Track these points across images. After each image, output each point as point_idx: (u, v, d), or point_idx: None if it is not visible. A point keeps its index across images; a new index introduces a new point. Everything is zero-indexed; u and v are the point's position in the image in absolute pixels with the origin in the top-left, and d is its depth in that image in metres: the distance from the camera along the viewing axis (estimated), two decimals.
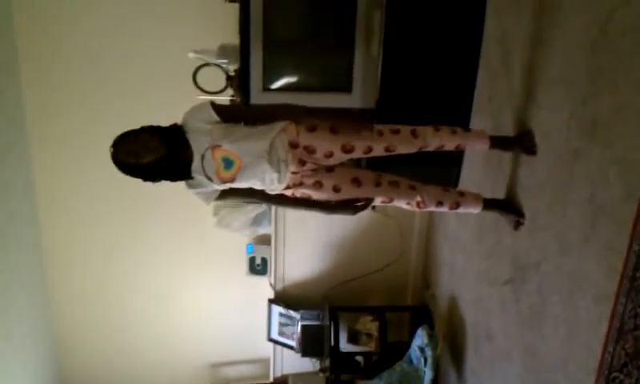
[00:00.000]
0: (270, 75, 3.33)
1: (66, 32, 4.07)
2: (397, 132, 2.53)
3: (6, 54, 3.96)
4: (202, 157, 2.37)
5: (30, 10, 4.00)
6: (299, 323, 4.37)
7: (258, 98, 3.30)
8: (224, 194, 2.53)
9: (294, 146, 2.42)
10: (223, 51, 3.49)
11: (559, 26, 2.40)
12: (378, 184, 2.57)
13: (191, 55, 3.54)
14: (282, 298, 4.55)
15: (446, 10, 3.27)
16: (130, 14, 4.08)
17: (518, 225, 2.70)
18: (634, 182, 1.82)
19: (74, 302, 4.79)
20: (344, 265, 4.45)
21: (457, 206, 2.71)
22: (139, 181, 2.36)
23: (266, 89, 3.32)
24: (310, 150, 2.44)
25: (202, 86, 3.51)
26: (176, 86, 3.90)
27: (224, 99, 3.64)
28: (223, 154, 2.37)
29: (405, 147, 2.55)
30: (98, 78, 4.16)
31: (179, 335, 4.98)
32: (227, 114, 2.43)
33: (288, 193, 2.51)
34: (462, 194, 2.77)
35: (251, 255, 4.53)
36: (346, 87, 3.35)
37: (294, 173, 2.44)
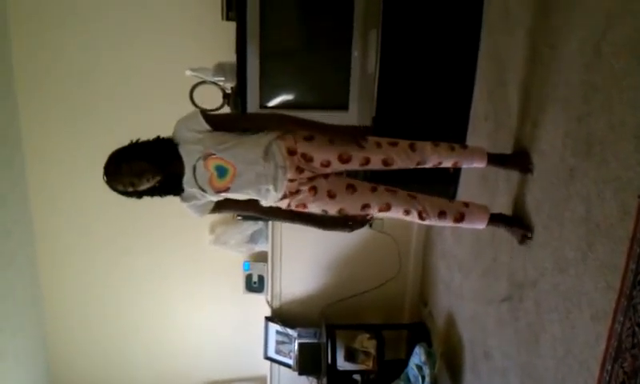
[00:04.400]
0: (266, 93, 3.34)
1: (62, 49, 4.09)
2: (395, 144, 2.51)
3: (0, 70, 3.97)
4: (194, 168, 2.34)
5: (27, 26, 4.01)
6: (296, 341, 4.35)
7: None
8: (218, 207, 2.49)
9: (291, 152, 2.39)
10: (220, 69, 3.50)
11: (553, 45, 2.41)
12: (374, 190, 2.52)
13: (188, 73, 3.56)
14: (279, 316, 4.52)
15: (441, 28, 3.30)
16: (126, 32, 4.10)
17: (524, 239, 2.60)
18: (630, 200, 1.82)
19: (69, 318, 4.77)
20: (341, 282, 4.43)
21: (461, 217, 2.60)
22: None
23: (263, 106, 3.33)
24: (307, 158, 2.42)
25: (198, 103, 3.52)
26: (173, 104, 3.86)
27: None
28: (216, 163, 2.34)
29: (402, 161, 2.51)
30: (94, 94, 4.17)
31: (176, 353, 4.95)
32: (218, 123, 2.41)
33: (284, 203, 2.45)
34: (466, 204, 2.66)
35: (248, 273, 4.52)
36: (342, 104, 3.35)
37: (291, 180, 2.40)
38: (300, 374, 4.36)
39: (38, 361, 4.70)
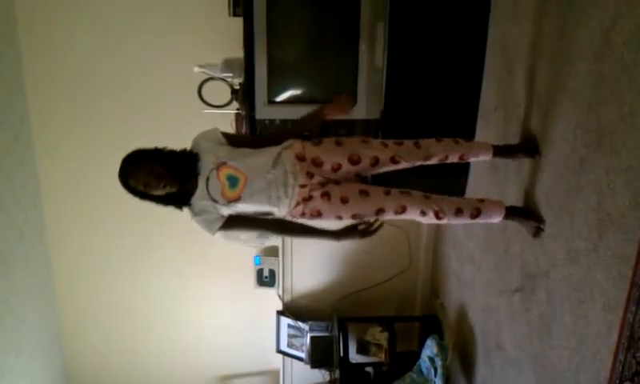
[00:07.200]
0: (274, 88, 3.34)
1: (71, 48, 4.10)
2: (400, 143, 2.54)
3: (11, 70, 4.00)
4: (207, 179, 2.36)
5: (36, 27, 4.04)
6: (308, 335, 4.36)
7: (262, 111, 3.31)
8: (229, 224, 2.46)
9: (300, 159, 2.41)
10: (228, 65, 3.51)
11: (562, 35, 2.40)
12: (387, 193, 2.50)
13: (196, 69, 3.57)
14: (291, 310, 4.54)
15: (449, 19, 3.29)
16: (134, 29, 4.11)
17: (538, 231, 2.58)
18: None
19: (83, 316, 4.81)
20: (352, 275, 4.44)
21: (477, 213, 2.57)
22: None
23: (271, 102, 3.34)
24: (317, 163, 2.43)
25: (207, 99, 3.53)
26: (182, 100, 3.93)
27: (229, 112, 3.66)
28: (228, 172, 2.36)
29: (409, 157, 2.52)
30: (104, 92, 4.19)
31: (188, 348, 4.98)
32: (233, 140, 2.49)
33: (298, 210, 2.43)
34: (481, 200, 2.64)
35: (259, 267, 4.53)
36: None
37: (302, 186, 2.40)
38: (312, 367, 4.38)
39: (54, 357, 4.75)
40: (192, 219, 2.45)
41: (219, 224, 2.43)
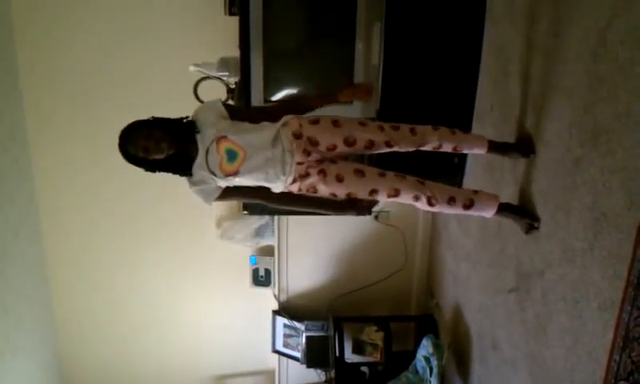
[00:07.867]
0: (270, 87, 3.34)
1: (67, 48, 4.10)
2: (397, 128, 2.55)
3: (7, 69, 3.99)
4: (207, 151, 2.40)
5: (32, 26, 4.03)
6: (304, 334, 4.36)
7: None
8: (225, 194, 2.53)
9: (297, 136, 2.44)
10: (224, 64, 3.51)
11: (558, 34, 2.40)
12: (382, 175, 2.52)
13: (192, 68, 3.56)
14: (287, 310, 4.54)
15: (445, 19, 3.29)
16: (130, 28, 4.10)
17: (530, 229, 2.58)
18: (637, 189, 1.82)
19: (79, 316, 4.80)
20: (348, 275, 4.44)
21: (471, 203, 2.58)
22: (141, 175, 2.43)
23: (267, 100, 3.33)
24: (313, 142, 2.46)
25: (203, 99, 3.52)
26: (177, 100, 3.90)
27: None
28: (227, 146, 2.40)
29: (404, 143, 2.55)
30: (99, 91, 4.18)
31: (184, 347, 4.97)
32: (234, 112, 2.52)
33: (295, 187, 2.48)
34: (475, 191, 2.65)
35: (255, 267, 4.52)
36: None
37: (299, 163, 2.44)
38: (308, 366, 4.38)
39: (49, 358, 4.73)
40: (190, 189, 2.48)
41: (216, 195, 2.50)
